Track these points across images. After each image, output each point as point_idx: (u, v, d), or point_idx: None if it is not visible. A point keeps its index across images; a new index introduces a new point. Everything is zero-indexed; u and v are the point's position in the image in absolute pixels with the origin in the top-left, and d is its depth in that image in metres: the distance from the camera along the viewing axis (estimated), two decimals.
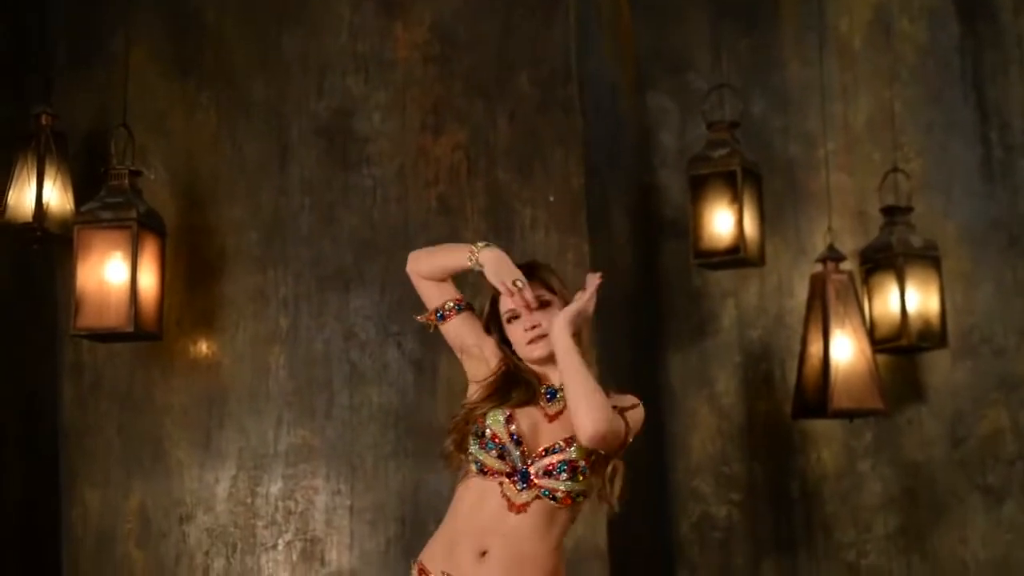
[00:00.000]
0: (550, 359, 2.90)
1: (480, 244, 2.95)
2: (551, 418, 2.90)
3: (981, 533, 4.72)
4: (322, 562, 4.29)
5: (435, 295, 3.03)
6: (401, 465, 4.29)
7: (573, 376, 2.80)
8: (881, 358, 4.61)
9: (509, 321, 2.93)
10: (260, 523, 4.34)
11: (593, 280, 2.88)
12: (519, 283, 2.86)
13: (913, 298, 4.61)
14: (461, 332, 3.01)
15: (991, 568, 4.69)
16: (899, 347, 4.64)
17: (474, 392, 2.97)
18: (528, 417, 2.89)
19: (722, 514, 4.83)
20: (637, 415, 2.96)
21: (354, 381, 4.36)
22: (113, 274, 4.14)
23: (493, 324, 2.98)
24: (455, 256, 2.99)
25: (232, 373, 4.42)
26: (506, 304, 2.93)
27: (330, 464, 4.33)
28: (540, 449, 2.85)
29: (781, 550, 4.79)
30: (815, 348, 4.51)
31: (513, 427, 2.86)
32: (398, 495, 4.29)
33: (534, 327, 2.89)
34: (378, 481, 4.31)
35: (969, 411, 4.79)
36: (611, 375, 4.45)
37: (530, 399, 2.91)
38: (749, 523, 4.81)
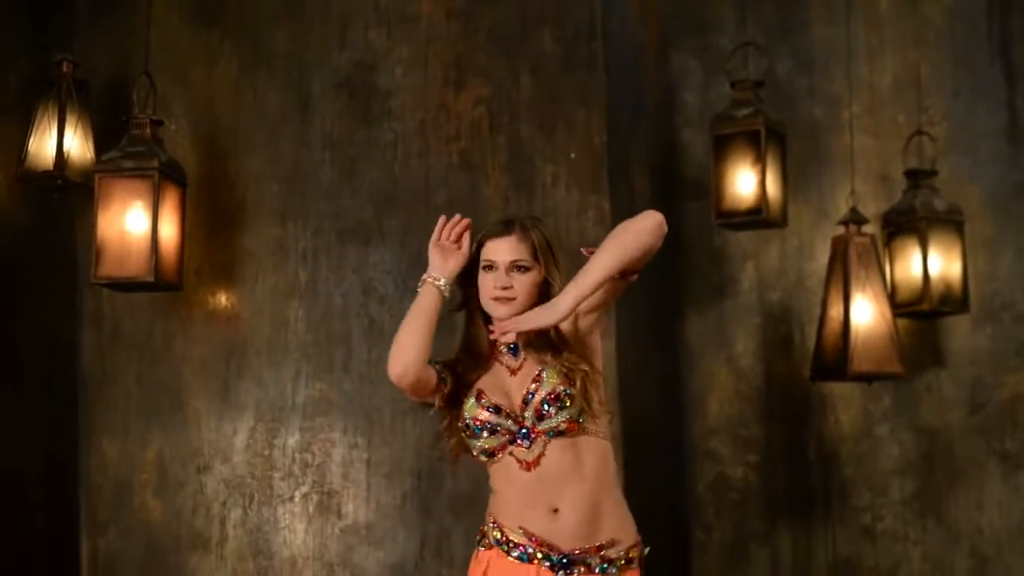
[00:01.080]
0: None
1: (427, 279, 3.00)
2: (513, 372, 2.93)
3: (998, 499, 4.71)
4: (339, 515, 4.30)
5: (426, 386, 2.94)
6: (418, 420, 4.29)
7: (613, 264, 2.86)
8: (901, 322, 4.59)
9: (484, 269, 2.95)
10: (277, 475, 4.35)
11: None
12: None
13: (935, 262, 4.59)
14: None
15: (1007, 535, 4.69)
16: (920, 311, 4.62)
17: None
18: (495, 383, 2.92)
19: (738, 475, 4.83)
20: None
21: (373, 335, 4.36)
22: (134, 223, 4.13)
23: (468, 271, 2.99)
24: (423, 304, 2.96)
25: (251, 325, 4.43)
26: (489, 253, 2.95)
27: (347, 418, 4.34)
28: (519, 402, 2.88)
29: (797, 512, 4.79)
30: (835, 311, 4.49)
31: (485, 400, 2.88)
32: (415, 449, 4.29)
33: (505, 288, 2.91)
34: (395, 435, 4.31)
35: (988, 377, 4.77)
36: (630, 334, 4.45)
37: (489, 363, 2.94)
38: (765, 485, 4.81)
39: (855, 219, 4.54)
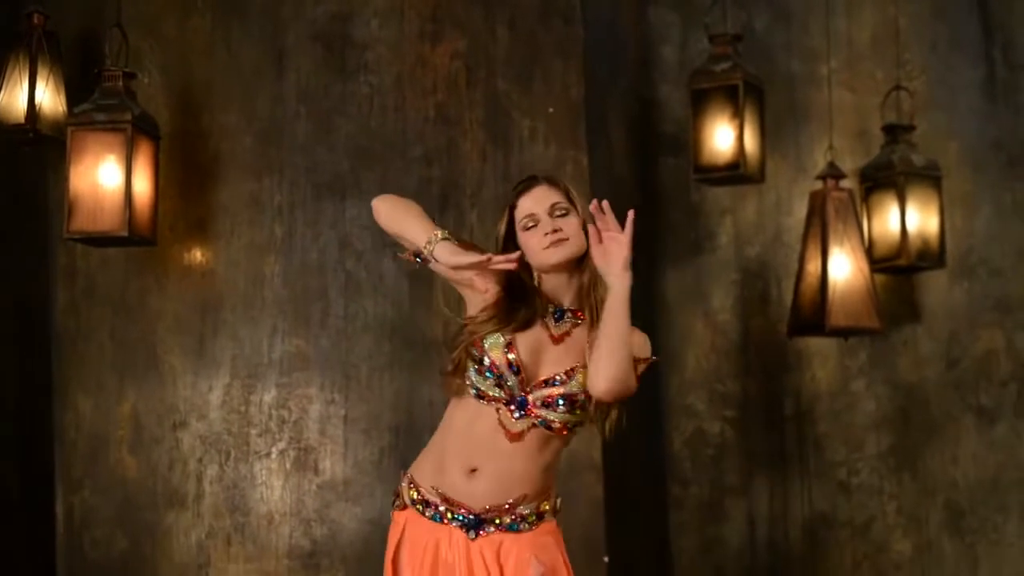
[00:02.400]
0: (566, 267, 2.85)
1: (439, 233, 2.83)
2: (556, 340, 2.85)
3: (972, 453, 4.74)
4: (315, 471, 4.29)
5: (410, 237, 2.89)
6: (396, 376, 4.28)
7: (616, 331, 2.75)
8: (877, 277, 4.60)
9: (526, 229, 2.85)
10: (254, 431, 4.33)
11: (631, 218, 2.79)
12: (488, 259, 2.76)
13: (913, 218, 4.59)
14: (448, 272, 2.87)
15: (981, 488, 4.72)
16: (897, 267, 4.63)
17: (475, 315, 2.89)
18: (530, 342, 2.83)
19: (715, 430, 4.84)
20: (644, 365, 2.89)
21: (349, 291, 4.34)
22: (107, 177, 4.09)
23: (509, 239, 2.88)
24: (416, 233, 2.86)
25: (226, 281, 4.39)
26: (526, 209, 2.86)
27: (324, 374, 4.32)
28: (540, 379, 2.82)
29: (773, 467, 4.81)
30: (813, 266, 4.49)
31: (512, 356, 2.80)
32: (392, 405, 4.28)
33: (555, 231, 2.81)
34: (372, 391, 4.30)
35: (964, 332, 4.79)
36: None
37: (533, 319, 2.84)
38: (742, 440, 4.83)
39: (833, 173, 4.53)
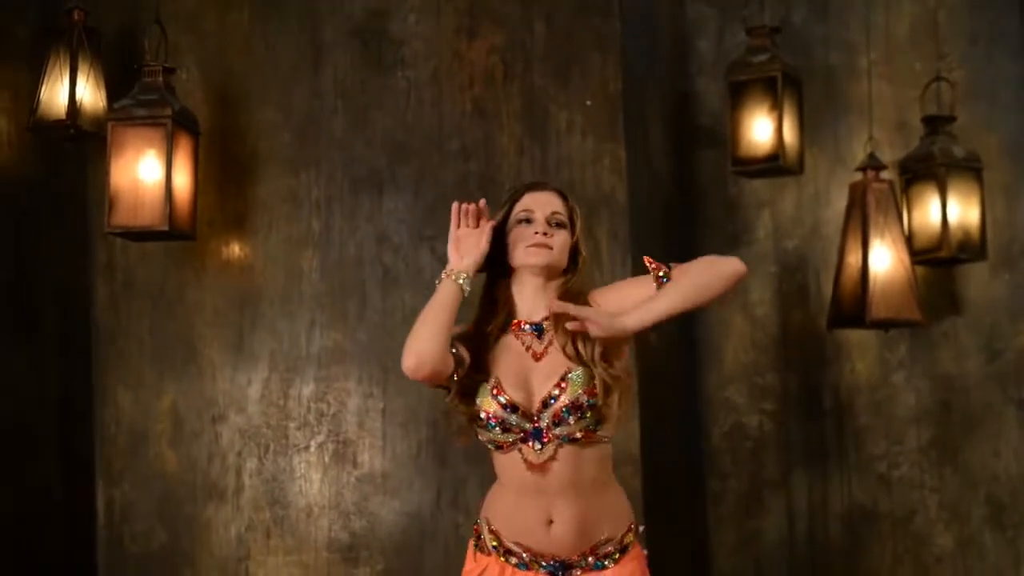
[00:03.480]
0: (542, 273, 2.84)
1: (446, 275, 2.84)
2: (538, 356, 2.83)
3: (1014, 447, 4.69)
4: (354, 464, 4.30)
5: (442, 375, 2.79)
6: None
7: (694, 298, 2.78)
8: (918, 270, 4.56)
9: (519, 222, 2.85)
10: (292, 424, 4.34)
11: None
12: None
13: (953, 209, 4.55)
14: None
15: (1023, 482, 4.67)
16: (938, 258, 4.59)
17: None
18: (514, 372, 2.80)
19: (754, 424, 4.82)
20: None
21: (387, 284, 4.34)
22: (147, 172, 4.11)
23: (499, 229, 2.88)
24: (444, 297, 2.81)
25: (264, 275, 4.41)
26: (526, 205, 2.86)
27: (362, 367, 4.33)
28: (539, 403, 2.78)
29: (812, 461, 4.78)
30: (853, 258, 4.46)
31: (503, 398, 2.78)
32: (430, 399, 4.28)
33: (545, 234, 2.82)
34: (410, 385, 4.27)
35: (1006, 325, 4.74)
36: None
37: (506, 326, 2.84)
38: (781, 433, 4.80)
39: (874, 165, 4.50)
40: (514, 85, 4.36)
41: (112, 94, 4.26)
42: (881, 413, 4.75)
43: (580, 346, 2.78)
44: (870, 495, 4.74)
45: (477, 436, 2.86)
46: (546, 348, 2.82)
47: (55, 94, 4.21)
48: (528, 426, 2.78)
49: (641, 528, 2.92)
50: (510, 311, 2.87)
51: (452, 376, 2.78)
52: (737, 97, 4.54)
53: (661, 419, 4.45)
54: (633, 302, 2.76)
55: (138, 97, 4.15)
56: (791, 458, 4.79)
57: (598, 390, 2.75)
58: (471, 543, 2.95)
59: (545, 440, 2.77)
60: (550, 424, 2.77)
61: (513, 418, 2.77)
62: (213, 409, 4.40)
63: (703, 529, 4.81)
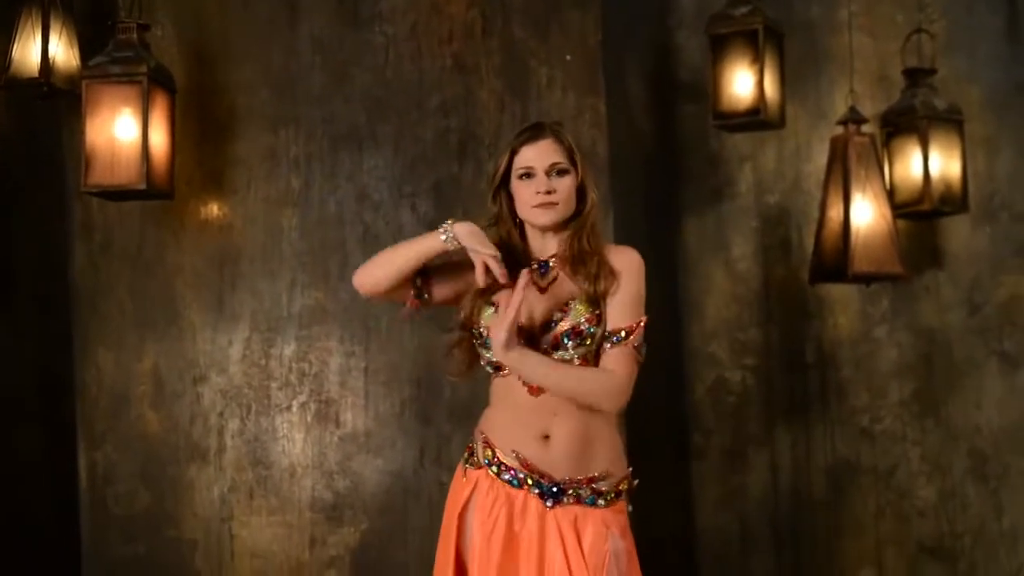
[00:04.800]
0: (551, 228, 2.90)
1: (447, 223, 2.87)
2: (543, 289, 2.89)
3: (996, 399, 4.71)
4: (337, 423, 4.29)
5: (398, 291, 2.95)
6: (415, 328, 4.26)
7: (558, 389, 2.81)
8: (899, 223, 4.55)
9: (520, 178, 2.88)
10: (274, 385, 4.32)
11: (523, 277, 2.80)
12: (496, 259, 2.82)
13: (935, 162, 4.54)
14: (445, 292, 2.97)
15: (1004, 434, 4.69)
16: (920, 211, 4.58)
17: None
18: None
19: (736, 379, 4.81)
20: (638, 332, 2.91)
21: (368, 243, 4.31)
22: (123, 130, 4.06)
23: (503, 182, 2.91)
24: (422, 245, 2.88)
25: (244, 234, 4.37)
26: (525, 160, 2.86)
27: (344, 326, 4.31)
28: (539, 325, 2.84)
29: (795, 415, 4.79)
30: (835, 212, 4.45)
31: None
32: (412, 357, 4.27)
33: (549, 192, 2.85)
34: (392, 343, 4.29)
35: (987, 277, 4.74)
36: (627, 239, 4.39)
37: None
38: (763, 388, 4.80)
39: (854, 118, 4.48)
40: (494, 40, 4.33)
41: (86, 51, 4.21)
42: (863, 367, 4.76)
43: (582, 269, 2.85)
44: (853, 449, 4.75)
45: (476, 363, 2.91)
46: (550, 284, 2.90)
47: (27, 52, 4.16)
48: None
49: (635, 482, 2.94)
50: (519, 257, 2.91)
51: (410, 299, 2.94)
52: (718, 51, 4.50)
53: (644, 375, 4.43)
54: (609, 310, 2.84)
55: (113, 54, 4.09)
56: (774, 413, 4.79)
57: (600, 317, 2.82)
58: (460, 463, 2.96)
59: None
60: (548, 348, 2.81)
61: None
62: (194, 370, 4.37)
63: (687, 484, 4.82)
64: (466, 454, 2.97)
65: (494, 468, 2.87)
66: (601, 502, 2.86)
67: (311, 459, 4.29)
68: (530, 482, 2.84)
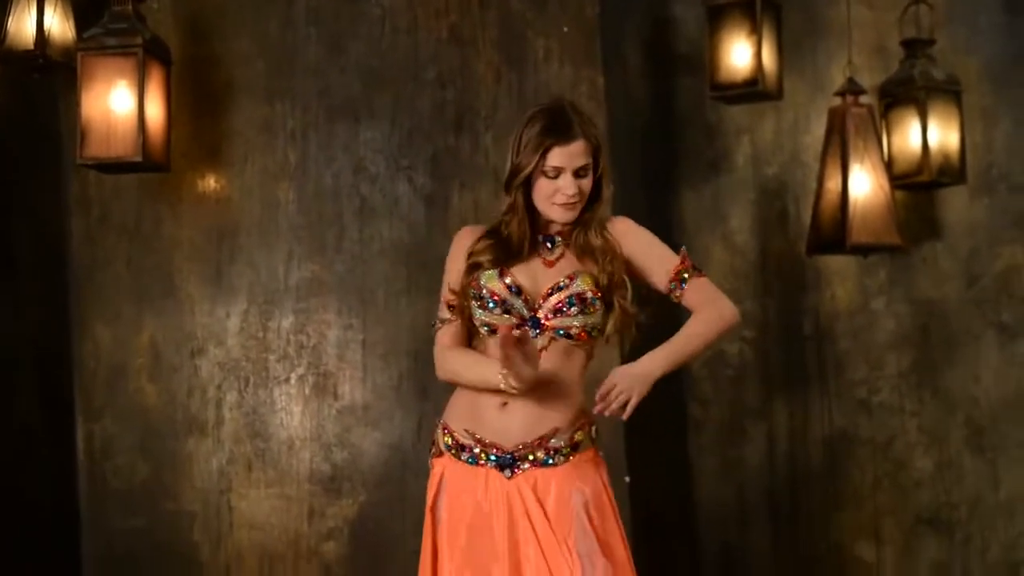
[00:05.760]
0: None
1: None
2: (549, 264, 2.91)
3: (993, 370, 4.71)
4: (335, 396, 4.29)
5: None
6: (413, 300, 4.27)
7: (704, 349, 2.96)
8: (897, 195, 4.54)
9: (547, 175, 2.85)
10: (272, 357, 4.32)
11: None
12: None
13: (933, 133, 4.53)
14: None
15: (1002, 405, 4.70)
16: (918, 183, 4.58)
17: None
18: (524, 269, 2.89)
19: (734, 351, 4.81)
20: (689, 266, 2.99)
21: (364, 215, 4.31)
22: (119, 103, 4.05)
23: (529, 176, 2.88)
24: (488, 379, 2.85)
25: (241, 207, 4.36)
26: (556, 161, 2.84)
27: (341, 299, 4.30)
28: (544, 291, 2.86)
29: (793, 387, 4.79)
30: (833, 183, 4.44)
31: (508, 280, 2.86)
32: (410, 330, 4.27)
33: (574, 195, 2.85)
34: (389, 315, 4.29)
35: (985, 249, 4.74)
36: (624, 212, 4.38)
37: (523, 249, 2.90)
38: (761, 360, 4.81)
39: (853, 89, 4.47)
40: (490, 11, 4.32)
41: (81, 24, 4.18)
42: (861, 339, 4.76)
43: (589, 250, 2.88)
44: (850, 420, 4.76)
45: (458, 318, 2.91)
46: (558, 258, 2.91)
47: (23, 25, 4.13)
48: (527, 313, 2.84)
49: (594, 429, 2.93)
50: (520, 247, 2.90)
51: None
52: (715, 22, 4.48)
53: (640, 346, 4.43)
54: (648, 266, 2.93)
55: (108, 26, 4.07)
56: (771, 385, 4.80)
57: (604, 295, 2.85)
58: (430, 459, 2.98)
59: (543, 328, 2.84)
60: (549, 313, 2.83)
61: (517, 301, 2.84)
62: (192, 343, 4.37)
63: (685, 456, 4.83)
64: (430, 447, 2.99)
65: (453, 451, 2.89)
66: (559, 458, 2.85)
67: (309, 431, 4.29)
68: (484, 456, 2.85)
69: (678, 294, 2.93)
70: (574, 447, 2.88)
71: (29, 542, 4.26)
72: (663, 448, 4.73)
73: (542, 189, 2.86)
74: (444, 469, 2.91)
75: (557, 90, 4.25)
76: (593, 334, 2.88)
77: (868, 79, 4.67)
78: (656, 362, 2.86)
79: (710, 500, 4.82)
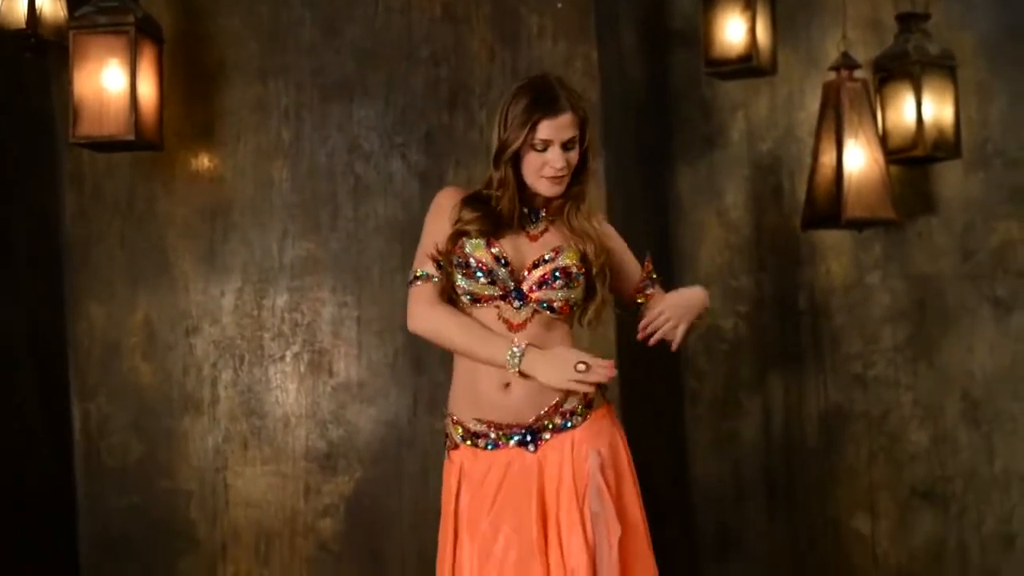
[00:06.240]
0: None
1: (515, 351, 2.80)
2: (533, 238, 2.92)
3: (988, 344, 4.72)
4: (330, 373, 4.29)
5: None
6: (408, 277, 4.25)
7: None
8: (892, 170, 4.54)
9: (534, 148, 2.85)
10: (267, 335, 4.32)
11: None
12: (582, 367, 2.77)
13: (928, 108, 4.52)
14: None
15: (997, 378, 4.71)
16: (913, 157, 4.57)
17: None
18: (509, 242, 2.90)
19: (729, 326, 4.82)
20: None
21: (359, 193, 4.30)
22: (111, 81, 4.04)
23: (517, 150, 2.87)
24: (483, 354, 2.84)
25: (235, 186, 4.36)
26: (544, 134, 2.84)
27: (336, 276, 4.30)
28: (529, 263, 2.87)
29: (788, 361, 4.79)
30: (827, 158, 4.44)
31: (495, 249, 2.86)
32: (405, 307, 4.21)
33: (562, 168, 2.86)
34: (384, 293, 4.29)
35: (980, 223, 4.74)
36: (619, 188, 4.41)
37: (511, 222, 2.90)
38: (756, 335, 4.81)
39: (847, 64, 4.46)
40: None
41: (72, 2, 4.17)
42: (856, 313, 4.77)
43: (572, 224, 2.92)
44: (845, 394, 4.77)
45: (454, 294, 2.90)
46: (541, 232, 2.93)
47: (14, 3, 4.11)
48: (511, 284, 2.85)
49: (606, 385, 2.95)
50: (506, 219, 2.90)
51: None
52: None
53: (635, 321, 4.43)
54: (623, 268, 3.01)
55: (99, 4, 4.06)
56: (766, 359, 4.80)
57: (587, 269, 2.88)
58: (446, 451, 2.96)
59: (526, 300, 2.85)
60: (533, 286, 2.84)
61: (502, 271, 2.85)
62: (187, 321, 4.37)
63: (681, 431, 4.84)
64: (444, 439, 2.98)
65: (469, 441, 2.89)
66: (577, 419, 2.87)
67: (305, 409, 4.30)
68: (504, 438, 2.86)
69: (650, 291, 3.01)
70: (588, 405, 2.90)
71: (25, 521, 4.26)
72: (659, 423, 4.74)
73: (531, 163, 2.87)
74: (463, 460, 2.90)
75: (551, 67, 4.23)
76: (575, 309, 2.91)
77: (862, 54, 4.66)
78: (699, 296, 2.96)
79: (706, 474, 4.83)
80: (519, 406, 2.85)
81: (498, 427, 2.86)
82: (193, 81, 4.37)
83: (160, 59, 4.19)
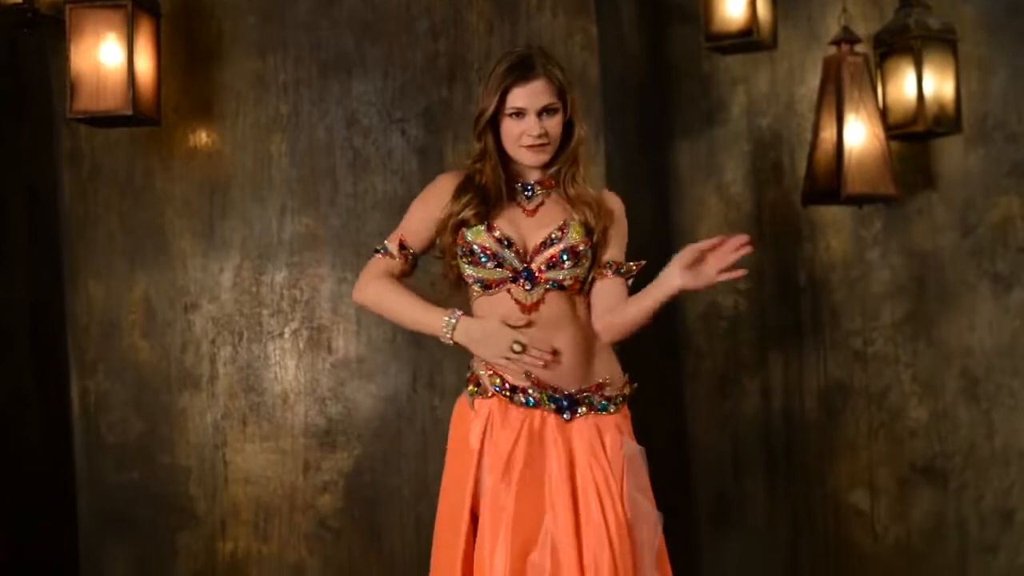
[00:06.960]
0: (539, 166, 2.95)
1: (450, 320, 2.87)
2: (530, 213, 2.93)
3: (988, 320, 4.71)
4: (329, 350, 4.28)
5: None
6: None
7: (645, 316, 2.92)
8: (892, 144, 4.53)
9: (510, 116, 2.88)
10: (266, 312, 4.31)
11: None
12: (517, 347, 2.81)
13: (929, 83, 4.50)
14: (425, 245, 3.04)
15: (997, 354, 4.70)
16: (913, 132, 4.55)
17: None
18: (507, 220, 2.91)
19: (729, 303, 4.81)
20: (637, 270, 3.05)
21: (358, 168, 4.29)
22: (108, 56, 4.01)
23: (492, 119, 2.90)
24: (421, 324, 2.95)
25: (233, 161, 4.34)
26: (517, 101, 2.85)
27: (335, 252, 4.29)
28: (536, 244, 2.88)
29: (787, 338, 4.79)
30: (828, 133, 4.42)
31: (497, 233, 2.87)
32: (406, 282, 4.24)
33: (540, 136, 2.87)
34: None
35: (980, 199, 4.73)
36: (619, 163, 4.39)
37: (501, 198, 2.92)
38: (756, 312, 4.80)
39: (848, 38, 4.44)
40: None
41: None
42: (856, 289, 4.76)
43: (568, 195, 2.93)
44: (845, 371, 4.76)
45: (465, 285, 2.94)
46: (537, 207, 2.94)
47: None
48: (519, 266, 2.87)
49: (635, 385, 3.02)
50: (497, 196, 2.92)
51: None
52: None
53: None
54: (606, 246, 2.97)
55: None
56: (766, 336, 4.80)
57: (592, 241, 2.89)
58: (464, 398, 2.97)
59: (537, 281, 2.87)
60: (543, 266, 2.86)
61: (507, 253, 2.87)
62: (185, 298, 4.36)
63: (680, 407, 4.83)
64: (471, 386, 2.96)
65: (506, 393, 2.88)
66: (612, 407, 2.92)
67: (304, 385, 4.29)
68: (545, 399, 2.87)
69: (606, 272, 2.93)
70: (623, 398, 2.97)
71: (26, 497, 4.26)
72: (660, 398, 4.73)
73: (509, 132, 2.88)
74: (492, 409, 2.91)
75: (550, 40, 4.22)
76: (584, 285, 2.93)
77: (863, 28, 4.64)
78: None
79: (706, 450, 4.83)
80: (565, 374, 2.88)
81: (541, 385, 2.88)
82: (191, 56, 4.34)
83: (157, 34, 4.16)
